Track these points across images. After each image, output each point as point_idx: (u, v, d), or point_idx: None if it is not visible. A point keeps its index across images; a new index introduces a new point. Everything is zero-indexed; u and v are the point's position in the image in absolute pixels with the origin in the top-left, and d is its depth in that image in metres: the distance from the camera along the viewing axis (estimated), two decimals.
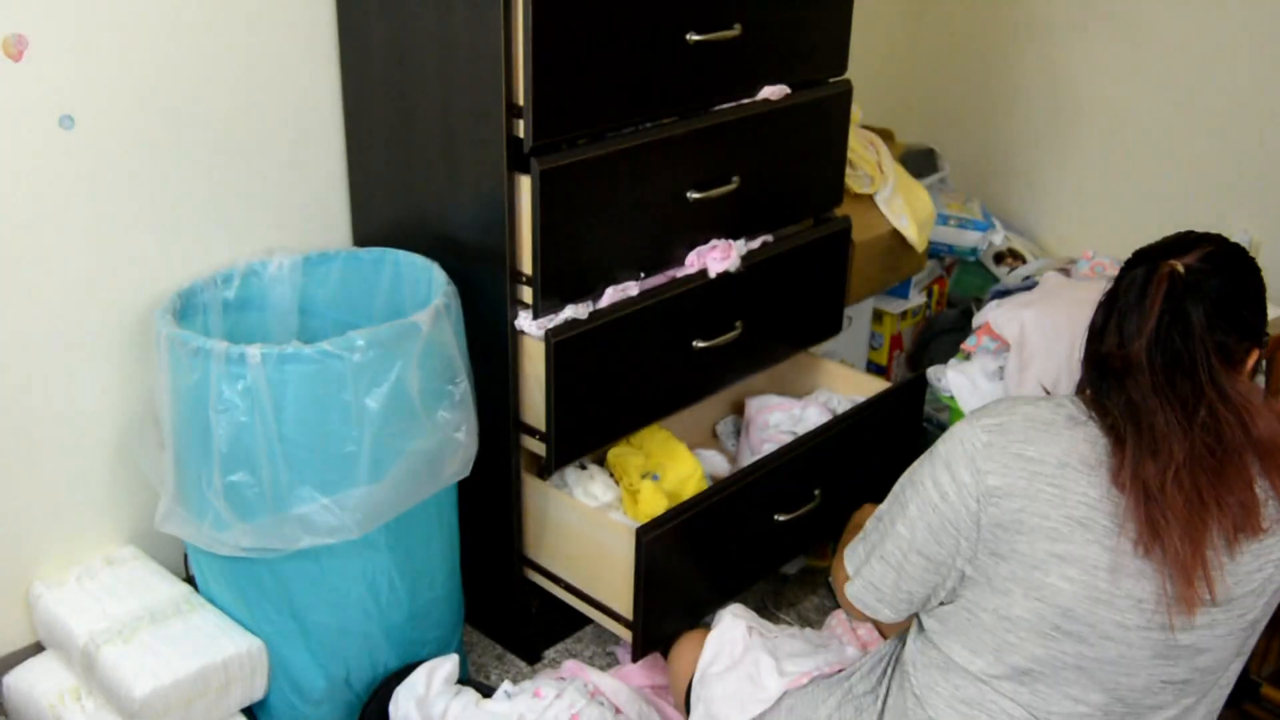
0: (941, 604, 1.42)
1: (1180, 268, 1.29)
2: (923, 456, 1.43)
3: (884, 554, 1.44)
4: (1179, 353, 1.28)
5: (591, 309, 1.91)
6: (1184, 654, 1.31)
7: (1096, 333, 1.36)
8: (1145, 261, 1.34)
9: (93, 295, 1.85)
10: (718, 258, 2.05)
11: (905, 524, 1.41)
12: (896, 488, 1.45)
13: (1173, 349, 1.28)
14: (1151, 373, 1.28)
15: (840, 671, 1.64)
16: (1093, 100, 3.05)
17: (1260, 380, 2.31)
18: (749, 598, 2.34)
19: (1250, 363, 1.33)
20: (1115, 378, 1.32)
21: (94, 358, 1.88)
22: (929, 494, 1.38)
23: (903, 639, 1.55)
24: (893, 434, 2.32)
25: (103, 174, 1.81)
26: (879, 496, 1.53)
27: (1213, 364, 1.28)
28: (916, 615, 1.48)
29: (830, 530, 2.26)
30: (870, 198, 2.66)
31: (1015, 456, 1.32)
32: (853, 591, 1.50)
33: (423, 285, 1.92)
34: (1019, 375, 2.20)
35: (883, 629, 1.71)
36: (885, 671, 1.56)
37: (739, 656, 1.70)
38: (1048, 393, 1.79)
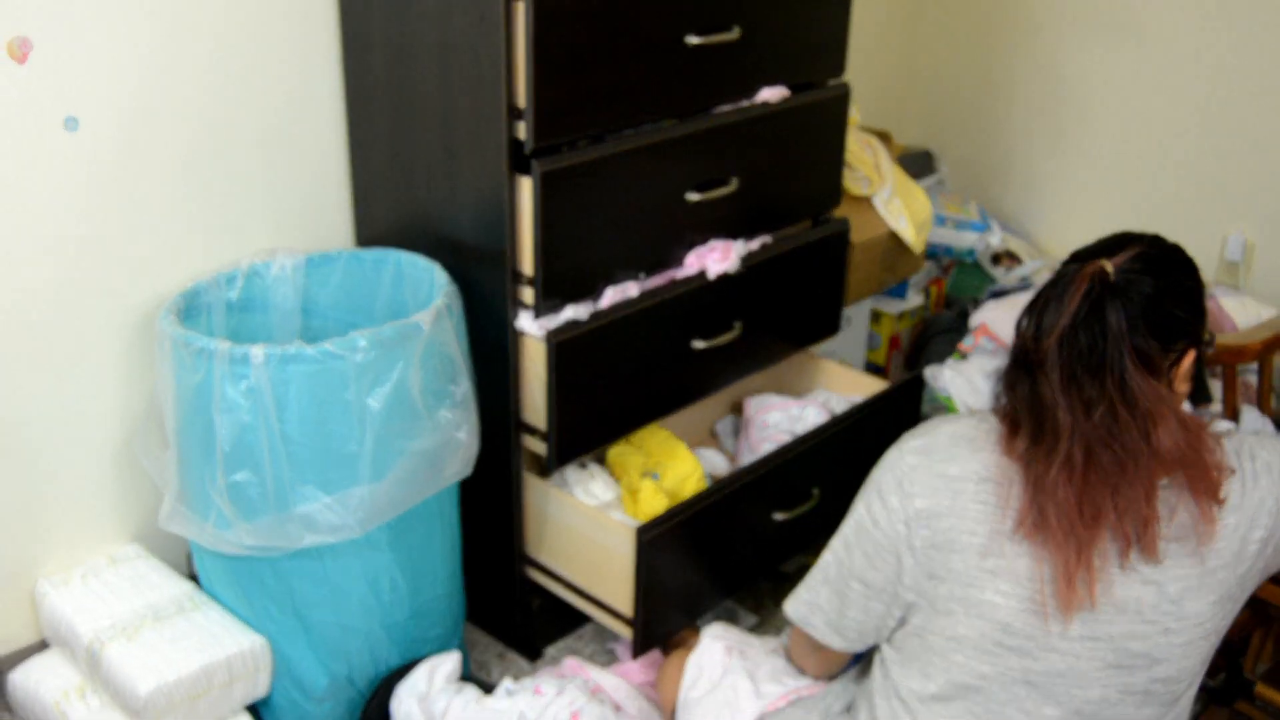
0: (895, 632, 1.42)
1: (1108, 267, 1.28)
2: (865, 482, 1.44)
3: (828, 578, 1.46)
4: (1090, 351, 1.26)
5: (592, 309, 1.91)
6: (1139, 664, 1.30)
7: (1019, 324, 1.35)
8: (1079, 260, 1.33)
9: (96, 296, 1.86)
10: (717, 259, 2.06)
11: (845, 550, 1.42)
12: (846, 519, 1.46)
13: (1084, 347, 1.27)
14: (1061, 369, 1.27)
15: (821, 691, 1.61)
16: (1090, 101, 3.06)
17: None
18: (748, 596, 2.35)
19: (1185, 365, 1.32)
20: (1027, 370, 1.31)
21: (98, 358, 1.88)
22: (863, 520, 1.40)
23: (869, 661, 1.54)
24: (891, 434, 2.31)
25: (107, 175, 1.82)
26: None
27: (1125, 366, 1.25)
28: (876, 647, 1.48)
29: (829, 530, 2.27)
30: (868, 199, 2.67)
31: (939, 476, 1.33)
32: (793, 608, 1.51)
33: (424, 286, 1.93)
34: None
35: (809, 671, 1.65)
36: (854, 694, 1.55)
37: (717, 680, 1.69)
38: None
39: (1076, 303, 1.27)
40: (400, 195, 2.01)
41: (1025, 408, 1.31)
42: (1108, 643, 1.29)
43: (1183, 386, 1.34)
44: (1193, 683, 1.36)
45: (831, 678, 1.63)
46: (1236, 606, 1.35)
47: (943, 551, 1.32)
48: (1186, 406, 2.19)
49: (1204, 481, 1.28)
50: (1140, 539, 1.26)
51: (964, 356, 2.39)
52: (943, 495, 1.33)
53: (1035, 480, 1.28)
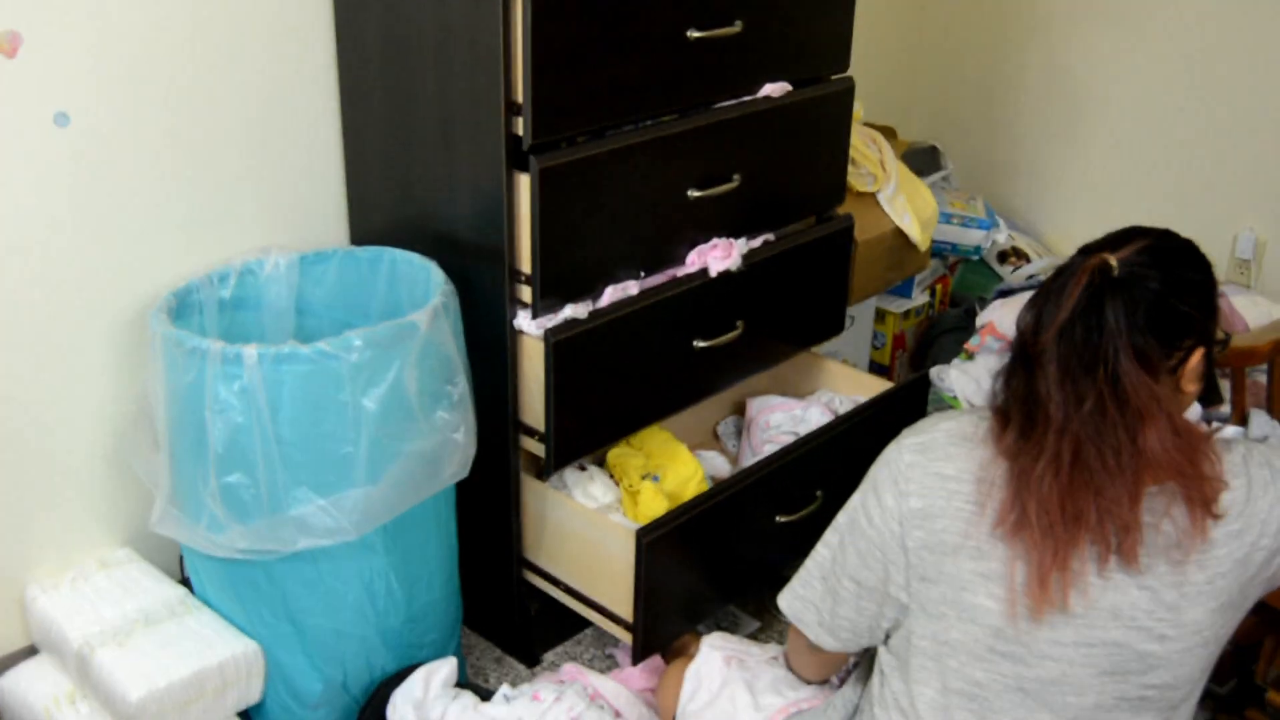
0: (888, 636, 1.41)
1: (1112, 261, 1.25)
2: (865, 477, 1.42)
3: (823, 573, 1.45)
4: (1085, 347, 1.23)
5: (591, 308, 1.89)
6: (1133, 669, 1.27)
7: (1020, 318, 1.32)
8: (1085, 253, 1.30)
9: (87, 294, 1.84)
10: (719, 256, 2.04)
11: (840, 545, 1.41)
12: (840, 512, 1.44)
13: (1080, 342, 1.23)
14: (1058, 364, 1.24)
15: (821, 703, 1.59)
16: (1098, 97, 3.04)
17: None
18: (750, 601, 2.33)
19: (1192, 363, 1.28)
20: (1025, 365, 1.29)
21: (88, 358, 1.87)
22: (858, 519, 1.38)
23: (868, 671, 1.52)
24: (895, 435, 2.30)
25: (97, 171, 1.80)
26: None
27: (1120, 363, 1.22)
28: (875, 653, 1.46)
29: None
30: (873, 196, 2.65)
31: (935, 475, 1.32)
32: (786, 603, 1.50)
33: (420, 284, 1.91)
34: None
35: (805, 674, 1.65)
36: (857, 706, 1.53)
37: (716, 692, 1.68)
38: None
39: (1076, 296, 1.24)
40: (396, 192, 1.99)
41: (1018, 402, 1.28)
42: (1101, 649, 1.27)
43: (1191, 387, 1.30)
44: (1192, 690, 1.33)
45: (827, 682, 1.62)
46: (1239, 614, 1.32)
47: (935, 554, 1.31)
48: (1197, 409, 2.17)
49: (1197, 491, 1.24)
50: (1121, 545, 1.23)
51: (970, 356, 2.37)
52: (937, 496, 1.31)
53: (1020, 475, 1.25)
